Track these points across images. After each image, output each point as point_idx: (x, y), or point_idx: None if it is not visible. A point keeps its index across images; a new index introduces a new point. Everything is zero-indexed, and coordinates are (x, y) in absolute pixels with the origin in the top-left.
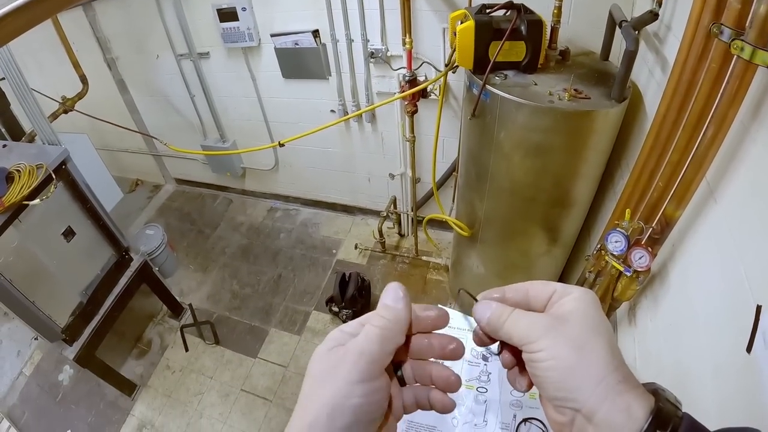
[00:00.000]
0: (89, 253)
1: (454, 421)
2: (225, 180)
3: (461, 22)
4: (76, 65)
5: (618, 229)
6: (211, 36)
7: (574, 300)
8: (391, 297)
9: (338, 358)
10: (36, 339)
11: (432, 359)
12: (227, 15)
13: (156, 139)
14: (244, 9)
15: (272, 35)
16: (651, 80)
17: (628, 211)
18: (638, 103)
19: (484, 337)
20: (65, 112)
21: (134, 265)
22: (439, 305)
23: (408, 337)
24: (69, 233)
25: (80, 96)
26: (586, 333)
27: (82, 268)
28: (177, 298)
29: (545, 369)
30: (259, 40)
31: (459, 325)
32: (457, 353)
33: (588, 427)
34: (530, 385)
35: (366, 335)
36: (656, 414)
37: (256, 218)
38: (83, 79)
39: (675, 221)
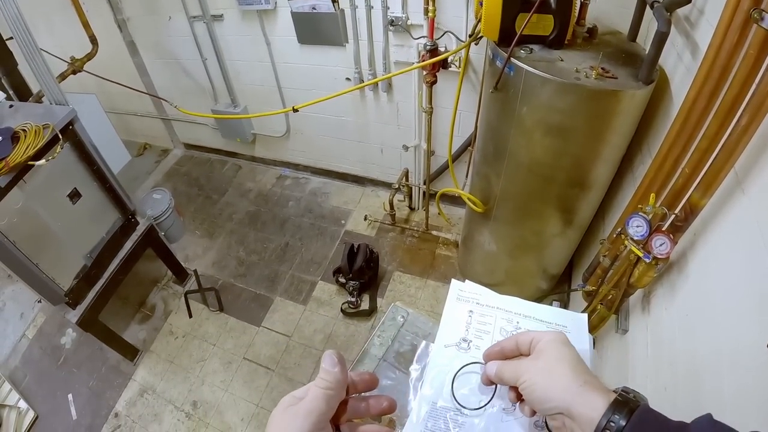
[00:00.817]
0: (95, 215)
1: None
2: (234, 146)
3: None
4: (86, 25)
5: (640, 213)
6: None
7: (546, 342)
8: (328, 363)
9: (291, 415)
10: (39, 302)
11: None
12: None
13: (166, 101)
14: None
15: None
16: (679, 64)
17: (652, 195)
18: (664, 87)
19: (488, 381)
20: (74, 72)
21: (140, 229)
22: (370, 371)
23: (345, 400)
24: (74, 195)
25: (89, 57)
26: (553, 362)
27: (87, 230)
28: (182, 263)
29: (530, 392)
30: (275, 2)
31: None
32: (389, 410)
33: (572, 423)
34: (532, 412)
35: (313, 396)
36: (614, 402)
37: (265, 185)
38: (93, 40)
39: (700, 209)
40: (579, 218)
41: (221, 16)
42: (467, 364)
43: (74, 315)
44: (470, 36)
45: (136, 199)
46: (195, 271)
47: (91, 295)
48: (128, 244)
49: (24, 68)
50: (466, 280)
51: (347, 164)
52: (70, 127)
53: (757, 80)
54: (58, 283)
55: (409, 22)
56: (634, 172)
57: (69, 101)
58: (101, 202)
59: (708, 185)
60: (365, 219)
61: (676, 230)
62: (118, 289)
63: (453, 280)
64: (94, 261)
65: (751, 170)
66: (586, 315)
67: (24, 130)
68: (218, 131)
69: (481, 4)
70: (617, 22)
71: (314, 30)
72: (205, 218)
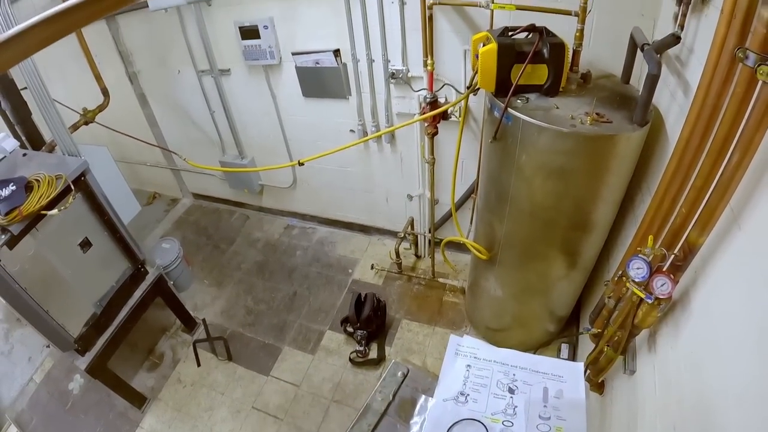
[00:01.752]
0: (105, 264)
1: None
2: (242, 196)
3: (483, 45)
4: (98, 78)
5: (640, 255)
6: (232, 53)
7: None
8: None
9: None
10: (48, 346)
11: None
12: (249, 33)
13: (175, 154)
14: (266, 27)
15: (293, 54)
16: (673, 103)
17: (650, 237)
18: (659, 126)
19: None
20: (86, 123)
21: (149, 278)
22: None
23: None
24: (86, 244)
25: (101, 108)
26: None
27: (97, 279)
28: (191, 312)
29: None
30: (280, 58)
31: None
32: None
33: None
34: None
35: None
36: None
37: (273, 235)
38: (105, 92)
39: (698, 248)
40: (583, 260)
41: (228, 70)
42: (461, 420)
43: (83, 362)
44: (468, 87)
45: (146, 248)
46: (203, 320)
47: (100, 342)
48: (138, 293)
49: (37, 117)
50: (464, 335)
51: (353, 213)
52: (82, 178)
53: (745, 118)
54: (67, 330)
55: (409, 75)
56: (635, 211)
57: (81, 152)
58: (111, 251)
59: (705, 223)
60: (372, 268)
61: (676, 270)
62: (127, 336)
63: (451, 336)
64: (104, 309)
65: (746, 206)
66: (582, 364)
67: (37, 180)
68: (226, 182)
69: (477, 57)
70: (610, 64)
71: (318, 84)
72: (214, 267)
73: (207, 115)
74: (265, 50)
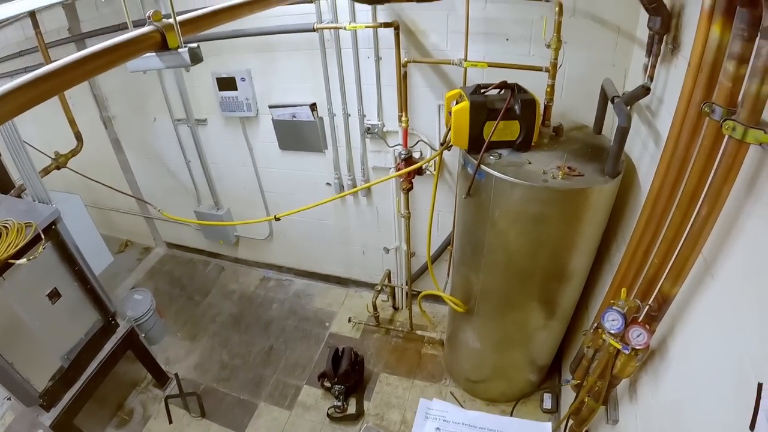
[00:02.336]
0: (74, 316)
1: None
2: (218, 247)
3: (456, 102)
4: (72, 122)
5: (614, 307)
6: (209, 103)
7: None
8: None
9: None
10: (9, 399)
11: None
12: (226, 84)
13: (149, 204)
14: (243, 79)
15: (270, 106)
16: (644, 153)
17: (624, 290)
18: (632, 175)
19: None
20: (58, 168)
21: (120, 331)
22: None
23: None
24: (54, 295)
25: (74, 153)
26: None
27: (65, 331)
28: (163, 366)
29: None
30: (257, 110)
31: None
32: None
33: None
34: None
35: None
36: None
37: (249, 287)
38: (78, 137)
39: (672, 298)
40: (562, 309)
41: (205, 120)
42: None
43: (48, 417)
44: (442, 144)
45: (117, 299)
46: (176, 375)
47: (67, 397)
48: (108, 346)
49: (7, 159)
50: (434, 399)
51: (330, 266)
52: (53, 227)
53: (713, 171)
54: (32, 383)
55: (384, 129)
56: (612, 259)
57: (53, 199)
58: (81, 303)
59: (677, 275)
60: (349, 321)
61: (652, 320)
62: (95, 391)
63: (421, 399)
64: (72, 363)
65: (718, 255)
66: (550, 424)
67: (6, 227)
68: (201, 232)
69: (450, 114)
70: (583, 115)
71: (295, 137)
72: (188, 320)
73: (182, 164)
74: (242, 102)
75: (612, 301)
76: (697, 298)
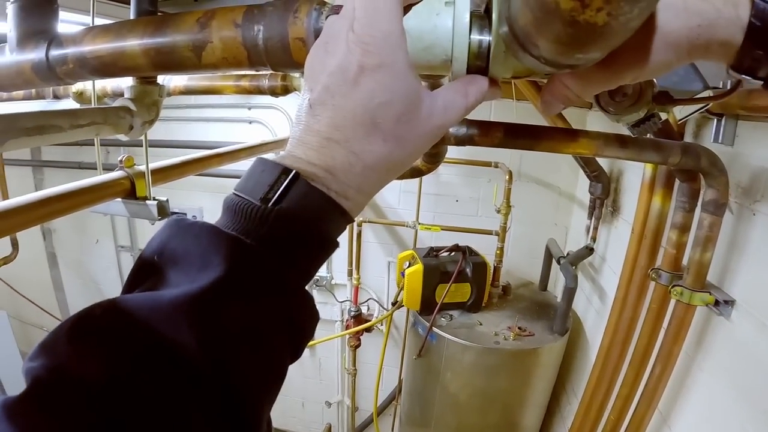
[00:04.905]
0: None
1: None
2: None
3: (409, 264)
4: None
5: None
6: None
7: None
8: None
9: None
10: None
11: None
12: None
13: None
14: (194, 217)
15: None
16: (589, 308)
17: None
18: (579, 329)
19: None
20: None
21: None
22: None
23: None
24: None
25: (6, 261)
26: None
27: None
28: None
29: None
30: None
31: None
32: None
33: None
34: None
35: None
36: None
37: None
38: (14, 244)
39: None
40: None
41: None
42: None
43: None
44: (393, 304)
45: None
46: None
47: None
48: None
49: None
50: None
51: None
52: None
53: (662, 332)
54: None
55: (333, 282)
56: (562, 412)
57: None
58: None
59: (635, 430)
60: None
61: None
62: None
63: None
64: None
65: (673, 407)
66: None
67: None
68: None
69: (403, 275)
70: (528, 272)
71: None
72: None
73: (119, 293)
74: None
75: None
76: None
